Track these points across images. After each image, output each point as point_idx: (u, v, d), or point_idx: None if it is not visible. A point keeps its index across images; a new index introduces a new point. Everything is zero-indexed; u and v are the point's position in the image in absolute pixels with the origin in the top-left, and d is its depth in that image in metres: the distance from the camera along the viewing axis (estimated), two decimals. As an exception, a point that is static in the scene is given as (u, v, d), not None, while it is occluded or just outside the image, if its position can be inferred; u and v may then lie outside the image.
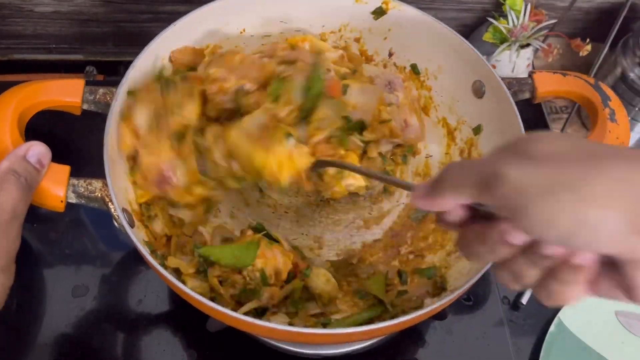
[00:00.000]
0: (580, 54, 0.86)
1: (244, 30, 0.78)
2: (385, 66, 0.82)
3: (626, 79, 0.85)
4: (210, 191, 0.65)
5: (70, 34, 0.93)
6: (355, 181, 0.66)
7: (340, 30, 0.81)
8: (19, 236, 0.52)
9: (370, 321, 0.66)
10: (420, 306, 0.67)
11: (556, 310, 0.78)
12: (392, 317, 0.58)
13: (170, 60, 0.73)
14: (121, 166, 0.65)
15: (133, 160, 0.63)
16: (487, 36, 0.89)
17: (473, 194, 0.38)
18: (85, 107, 0.65)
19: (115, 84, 0.65)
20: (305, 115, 0.64)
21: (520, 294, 0.80)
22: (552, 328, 0.76)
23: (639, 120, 0.88)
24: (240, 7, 0.75)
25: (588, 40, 0.86)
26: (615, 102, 0.69)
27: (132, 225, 0.60)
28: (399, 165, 0.80)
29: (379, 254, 0.77)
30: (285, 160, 0.60)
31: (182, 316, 0.74)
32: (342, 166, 0.62)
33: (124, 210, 0.60)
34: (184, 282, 0.62)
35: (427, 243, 0.75)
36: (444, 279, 0.69)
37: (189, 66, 0.74)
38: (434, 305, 0.56)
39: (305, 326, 0.65)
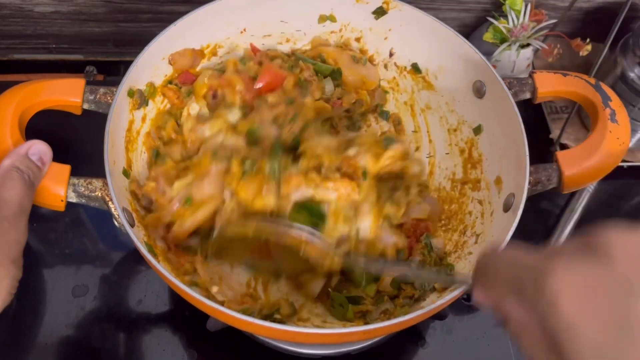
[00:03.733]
0: (580, 54, 0.86)
1: (244, 30, 0.78)
2: (386, 66, 0.82)
3: (626, 79, 0.85)
4: None
5: (70, 34, 0.93)
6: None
7: (340, 30, 0.81)
8: (26, 230, 0.53)
9: None
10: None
11: (556, 310, 0.77)
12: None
13: (170, 62, 0.73)
14: (121, 166, 0.65)
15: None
16: (487, 36, 0.88)
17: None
18: (85, 106, 0.65)
19: (116, 84, 0.65)
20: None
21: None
22: (552, 328, 0.76)
23: (639, 121, 0.88)
24: (240, 7, 0.75)
25: (588, 40, 0.86)
26: (616, 102, 0.69)
27: (132, 225, 0.60)
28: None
29: None
30: None
31: (182, 316, 0.74)
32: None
33: (124, 209, 0.60)
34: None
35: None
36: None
37: (188, 69, 0.75)
38: (434, 305, 0.56)
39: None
